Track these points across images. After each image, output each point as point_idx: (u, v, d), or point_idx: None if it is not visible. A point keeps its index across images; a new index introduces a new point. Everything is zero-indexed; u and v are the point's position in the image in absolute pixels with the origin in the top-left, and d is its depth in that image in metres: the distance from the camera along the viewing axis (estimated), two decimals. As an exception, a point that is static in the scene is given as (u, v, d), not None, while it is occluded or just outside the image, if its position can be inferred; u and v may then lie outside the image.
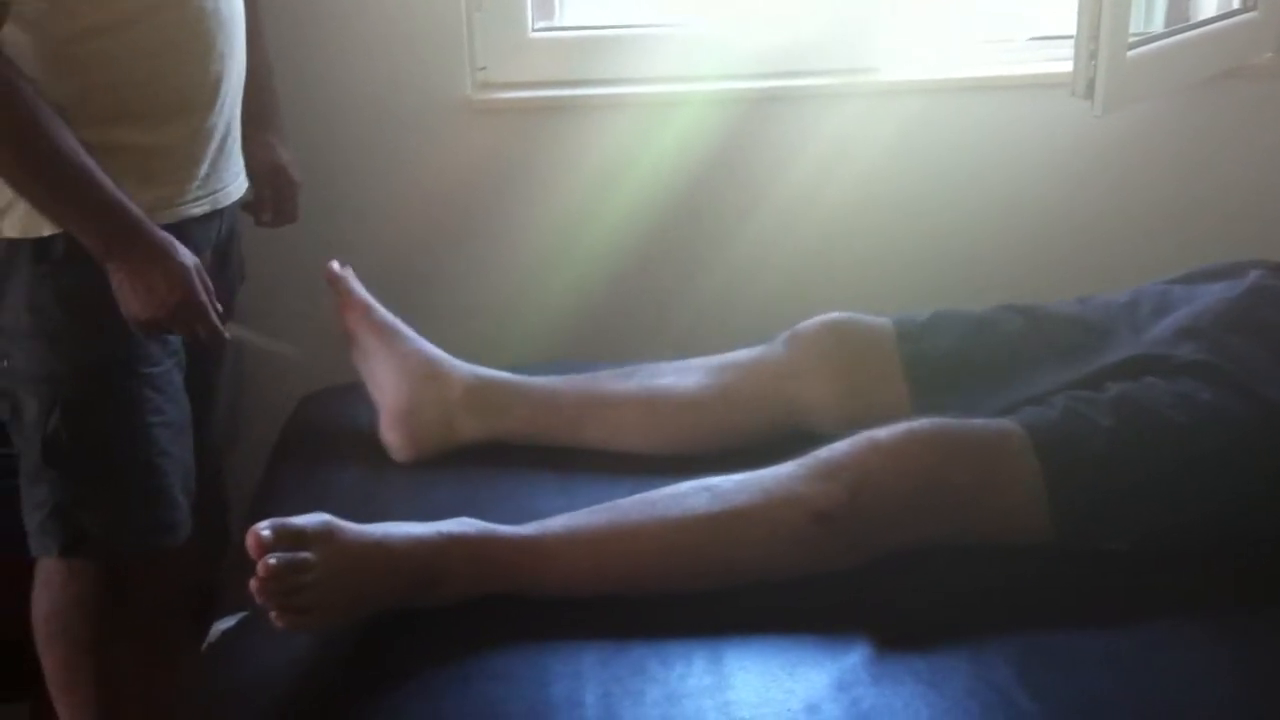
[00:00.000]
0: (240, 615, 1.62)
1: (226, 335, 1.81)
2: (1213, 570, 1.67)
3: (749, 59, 2.60)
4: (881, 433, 1.69)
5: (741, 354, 2.03)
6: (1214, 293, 1.96)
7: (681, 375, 2.01)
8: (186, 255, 1.73)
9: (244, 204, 2.03)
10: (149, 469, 1.81)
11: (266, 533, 1.49)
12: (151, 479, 1.81)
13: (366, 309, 2.04)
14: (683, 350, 2.10)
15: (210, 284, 1.77)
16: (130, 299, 1.70)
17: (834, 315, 2.00)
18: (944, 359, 1.95)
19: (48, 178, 1.65)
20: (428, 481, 1.92)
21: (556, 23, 2.72)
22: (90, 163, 1.64)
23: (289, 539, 1.50)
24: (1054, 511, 1.68)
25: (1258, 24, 2.67)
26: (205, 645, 1.63)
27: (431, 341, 2.05)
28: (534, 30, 2.59)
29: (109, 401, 1.79)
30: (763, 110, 2.59)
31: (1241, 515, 1.71)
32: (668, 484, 1.71)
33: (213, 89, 1.80)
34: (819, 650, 1.53)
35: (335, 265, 2.06)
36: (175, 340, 1.83)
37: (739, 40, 2.61)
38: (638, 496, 1.70)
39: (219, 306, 1.79)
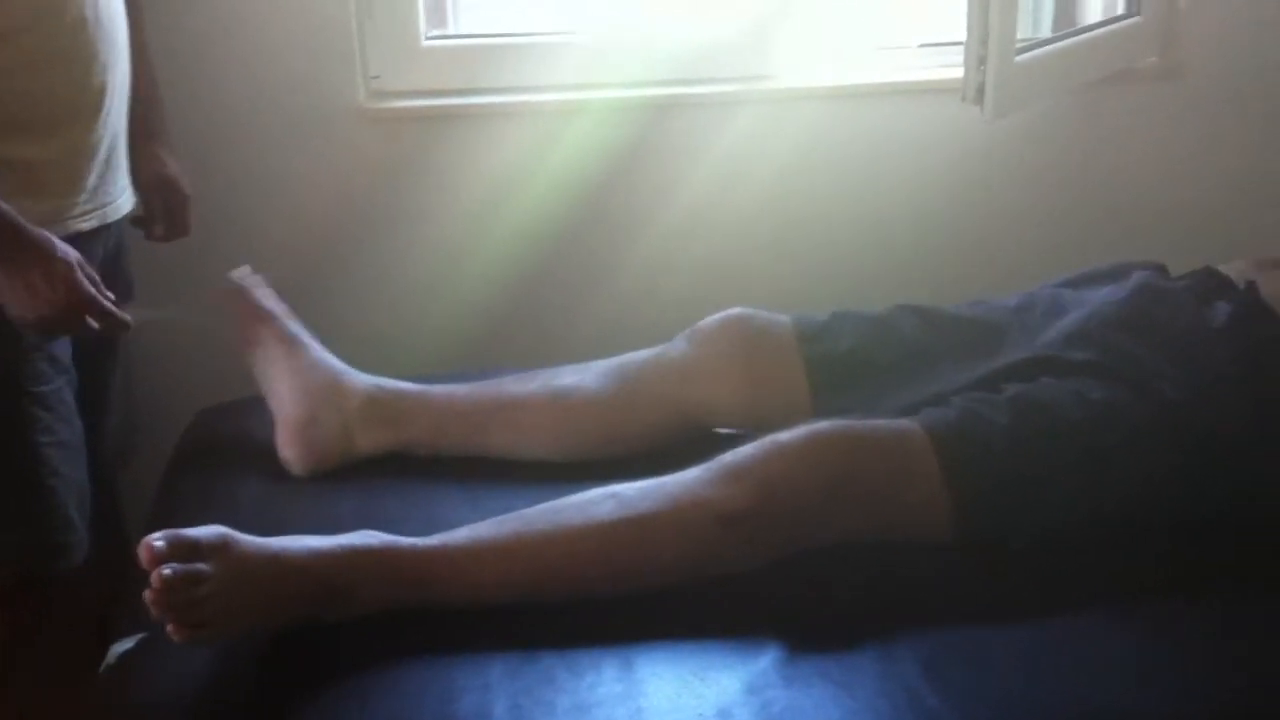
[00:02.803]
0: (139, 637, 1.59)
1: (128, 319, 1.77)
2: (1121, 564, 1.69)
3: (645, 67, 2.60)
4: (785, 435, 1.70)
5: (642, 353, 2.03)
6: (1101, 296, 2.00)
7: (583, 376, 2.01)
8: (67, 251, 1.69)
9: (133, 218, 1.99)
10: (40, 490, 1.76)
11: (160, 544, 1.45)
12: (43, 500, 1.77)
13: (272, 317, 2.00)
14: (586, 358, 2.08)
15: (94, 274, 1.73)
16: (14, 302, 1.66)
17: (734, 311, 2.01)
18: (843, 359, 1.96)
19: None
20: (330, 494, 1.89)
21: (449, 31, 2.70)
22: None
23: (184, 551, 1.46)
24: (954, 509, 1.70)
25: (1141, 28, 2.73)
26: (103, 668, 1.59)
27: (330, 353, 2.03)
28: (427, 39, 2.57)
29: None
30: (660, 118, 2.60)
31: (1143, 509, 1.74)
32: (574, 492, 1.70)
33: (96, 100, 1.77)
34: (730, 654, 1.53)
35: (247, 269, 2.02)
36: (65, 357, 1.79)
37: (635, 48, 2.61)
38: (543, 505, 1.69)
39: (109, 295, 1.75)
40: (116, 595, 1.75)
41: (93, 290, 1.71)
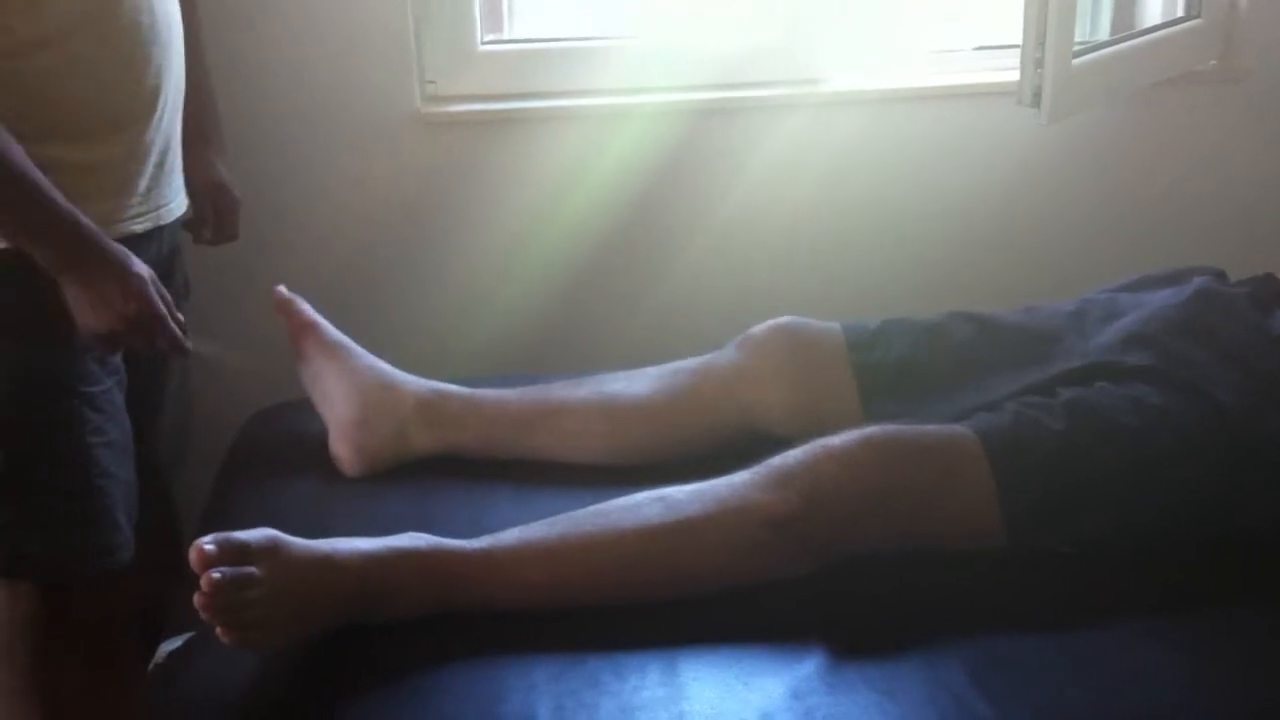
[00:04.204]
0: (187, 636, 1.60)
1: (189, 346, 1.79)
2: (1165, 572, 1.68)
3: (698, 71, 2.60)
4: (835, 440, 1.69)
5: (692, 360, 2.03)
6: (1159, 300, 1.98)
7: (632, 382, 2.02)
8: (141, 267, 1.71)
9: (184, 222, 2.01)
10: (90, 490, 1.78)
11: (210, 547, 1.46)
12: (92, 500, 1.78)
13: (316, 328, 2.03)
14: (635, 363, 2.09)
15: (168, 295, 1.75)
16: (86, 312, 1.67)
17: (784, 319, 2.01)
18: (894, 367, 1.95)
19: (1, 192, 1.62)
20: (380, 496, 1.91)
21: (505, 36, 2.71)
22: (40, 176, 1.61)
23: (234, 554, 1.48)
24: (1006, 515, 1.68)
25: (1201, 31, 2.69)
26: (152, 666, 1.60)
27: (382, 357, 2.05)
28: (483, 43, 2.58)
29: (47, 422, 1.75)
30: (711, 121, 2.59)
31: (1192, 516, 1.72)
32: (622, 495, 1.70)
33: (150, 103, 1.78)
34: (774, 659, 1.53)
35: (283, 289, 2.04)
36: (116, 359, 1.81)
37: (687, 52, 2.61)
38: (591, 508, 1.69)
39: (179, 317, 1.77)
40: (166, 595, 1.77)
41: (164, 309, 1.73)
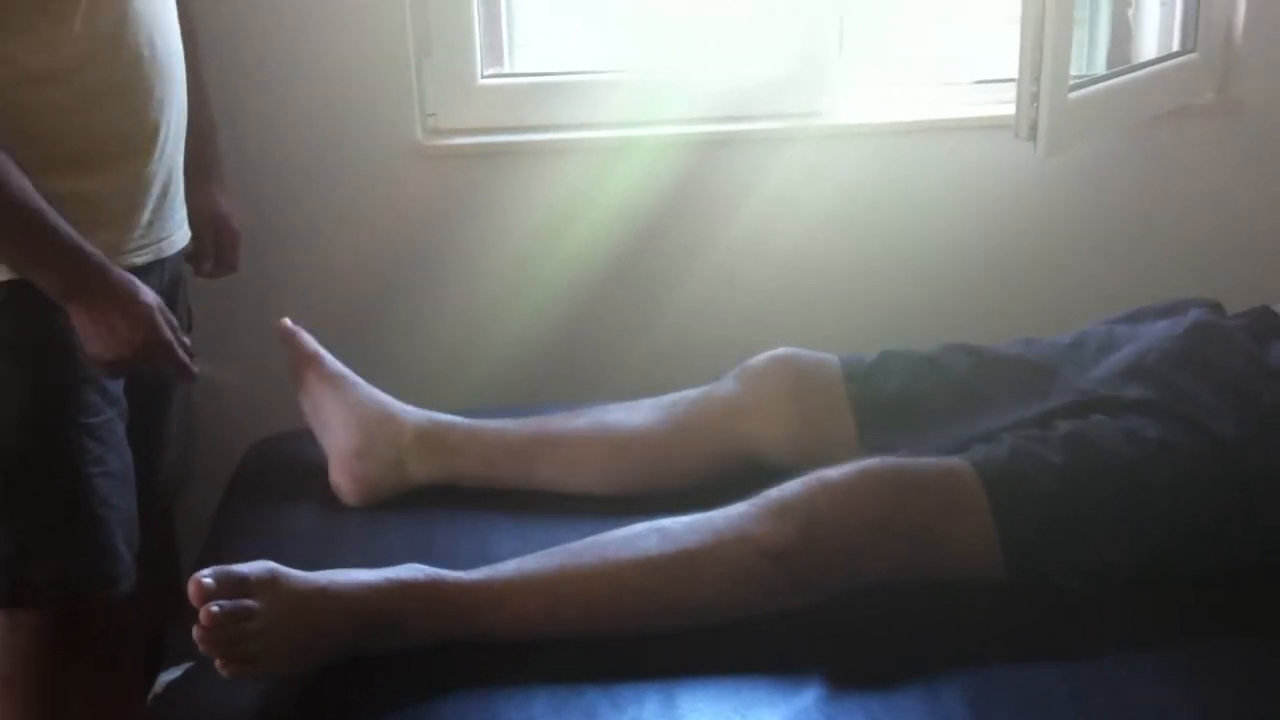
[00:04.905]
0: (186, 666, 1.60)
1: (195, 370, 1.80)
2: (1169, 603, 1.68)
3: (698, 104, 2.61)
4: (832, 472, 1.70)
5: (691, 391, 2.04)
6: (1156, 332, 1.98)
7: (631, 412, 2.03)
8: (148, 294, 1.72)
9: (185, 254, 2.02)
10: (90, 520, 1.78)
11: (209, 580, 1.47)
12: (93, 530, 1.78)
13: (318, 360, 2.04)
14: (635, 396, 2.09)
15: (174, 320, 1.76)
16: (93, 340, 1.69)
17: (782, 350, 2.02)
18: (891, 397, 1.96)
19: (3, 222, 1.63)
20: (380, 526, 1.91)
21: (505, 69, 2.73)
22: (43, 204, 1.62)
23: (232, 587, 1.48)
24: (1005, 548, 1.68)
25: (1198, 65, 2.71)
26: (150, 697, 1.60)
27: (383, 389, 2.05)
28: (483, 77, 2.60)
29: (48, 452, 1.75)
30: (711, 154, 2.60)
31: (1193, 549, 1.72)
32: (621, 526, 1.71)
33: (151, 136, 1.79)
34: (772, 691, 1.53)
35: (286, 322, 2.06)
36: (117, 389, 1.81)
37: (687, 85, 2.62)
38: (589, 539, 1.70)
39: (186, 341, 1.78)
40: (165, 625, 1.77)
41: (170, 336, 1.74)
